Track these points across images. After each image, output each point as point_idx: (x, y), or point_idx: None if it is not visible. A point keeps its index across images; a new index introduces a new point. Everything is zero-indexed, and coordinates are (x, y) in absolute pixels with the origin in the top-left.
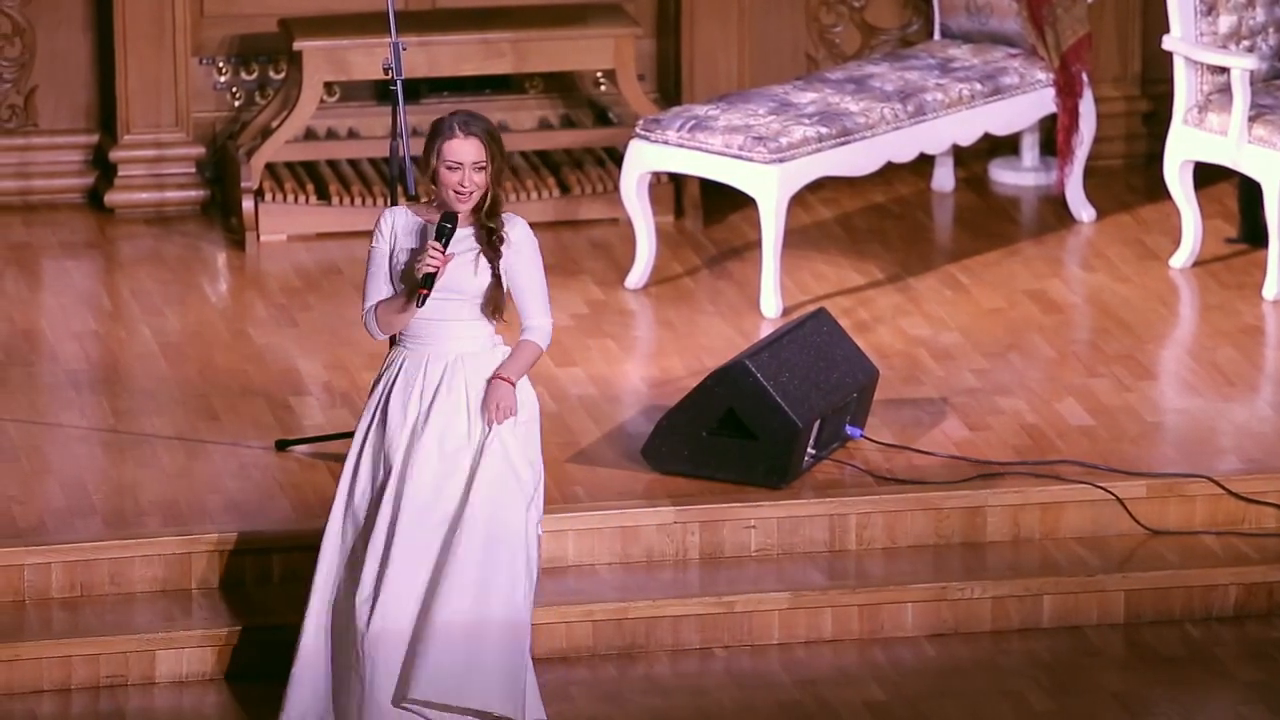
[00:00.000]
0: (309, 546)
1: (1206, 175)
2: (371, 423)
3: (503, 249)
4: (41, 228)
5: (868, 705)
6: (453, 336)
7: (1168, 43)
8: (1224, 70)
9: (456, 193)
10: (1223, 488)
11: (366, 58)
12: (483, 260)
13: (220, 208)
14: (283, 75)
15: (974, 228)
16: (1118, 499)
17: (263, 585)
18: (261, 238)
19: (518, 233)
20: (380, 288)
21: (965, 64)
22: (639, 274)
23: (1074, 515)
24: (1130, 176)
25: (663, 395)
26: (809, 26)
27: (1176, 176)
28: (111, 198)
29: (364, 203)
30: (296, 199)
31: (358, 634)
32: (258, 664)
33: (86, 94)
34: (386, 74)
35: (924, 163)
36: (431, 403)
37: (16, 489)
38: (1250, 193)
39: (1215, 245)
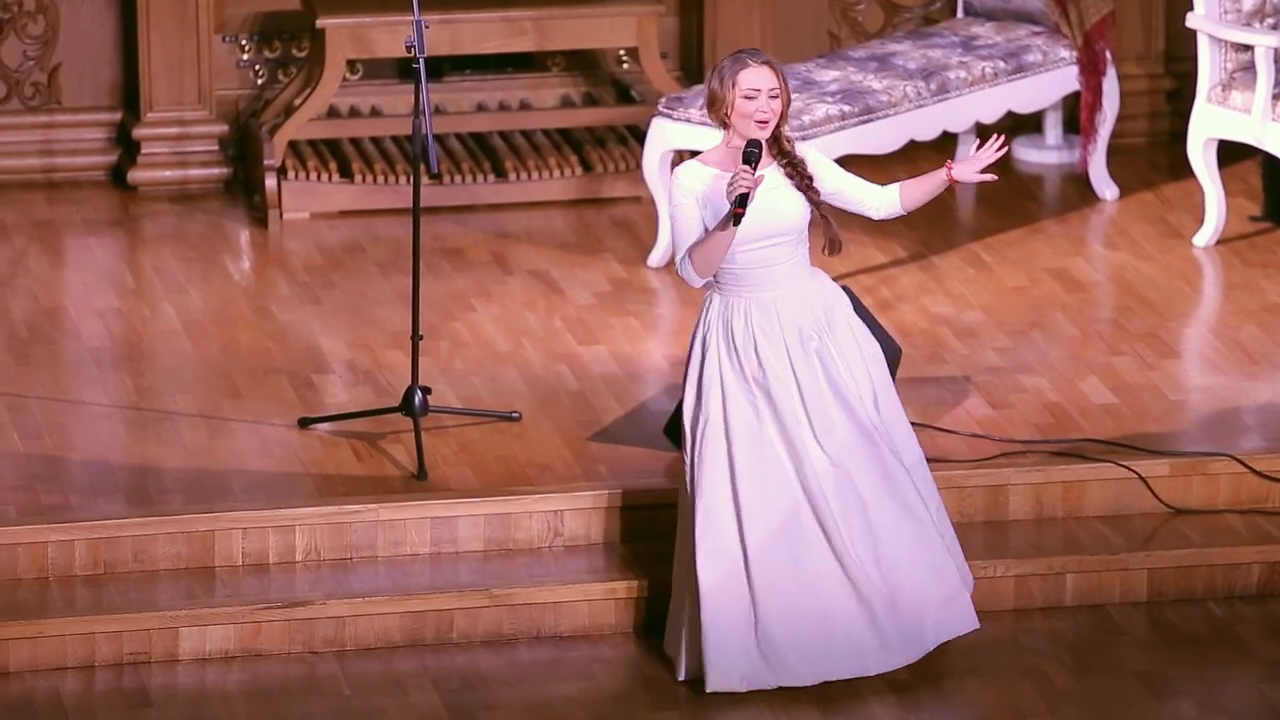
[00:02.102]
0: (332, 524)
1: (1230, 153)
2: (736, 373)
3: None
4: (65, 205)
5: (890, 684)
6: (790, 276)
7: (1192, 20)
8: (1248, 48)
9: (758, 121)
10: (1246, 466)
11: (389, 35)
12: (796, 194)
13: (243, 185)
14: (305, 53)
15: (997, 206)
16: (1141, 477)
17: (285, 563)
18: (284, 215)
19: (816, 158)
20: (689, 236)
21: (988, 42)
22: (661, 252)
23: (1097, 494)
24: (1153, 154)
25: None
26: (832, 4)
27: (1200, 154)
28: (135, 175)
29: (386, 181)
30: (319, 177)
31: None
32: (281, 642)
33: (110, 71)
34: (409, 52)
35: (947, 141)
36: (801, 343)
37: (40, 466)
38: (1274, 170)
39: (1239, 223)
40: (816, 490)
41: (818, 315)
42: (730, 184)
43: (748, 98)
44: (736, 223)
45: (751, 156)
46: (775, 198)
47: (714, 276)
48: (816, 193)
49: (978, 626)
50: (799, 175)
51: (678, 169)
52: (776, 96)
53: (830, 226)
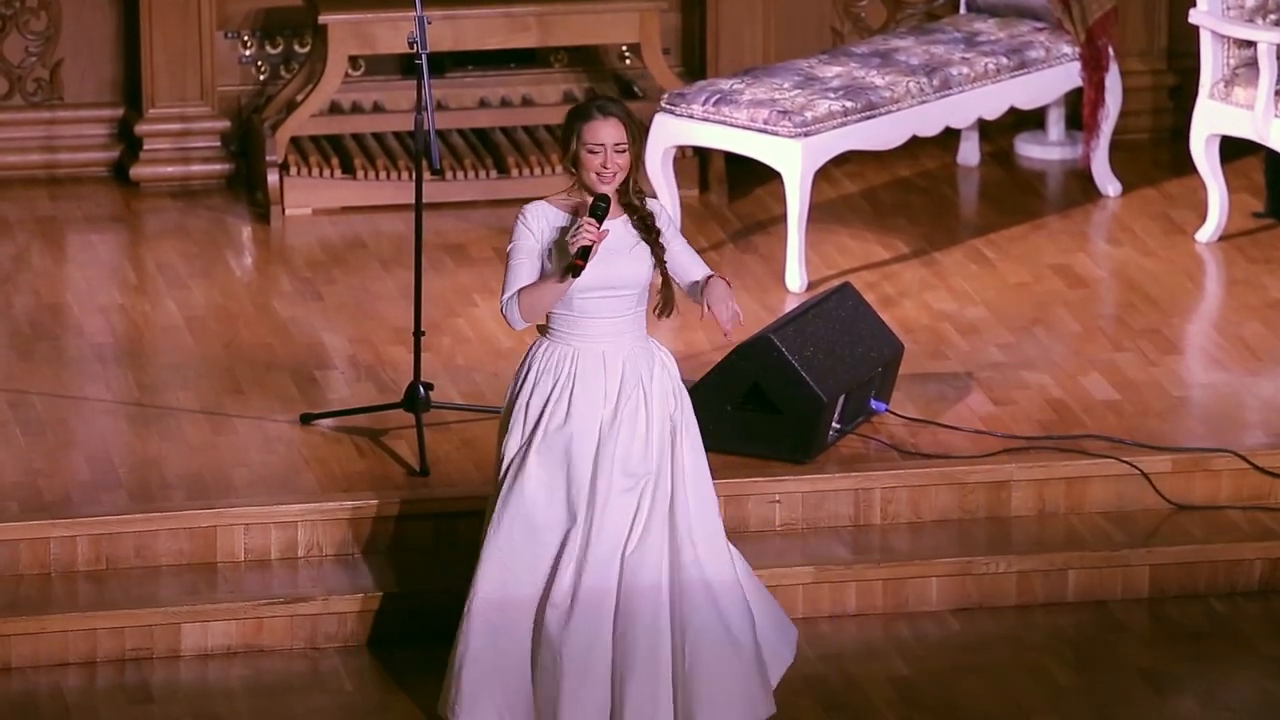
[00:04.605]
0: (334, 520)
1: (1233, 149)
2: (542, 416)
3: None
4: (67, 201)
5: (892, 680)
6: (621, 332)
7: (1194, 16)
8: (1251, 44)
9: (598, 174)
10: (1248, 462)
11: (391, 31)
12: (642, 250)
13: (245, 181)
14: (308, 49)
15: (999, 202)
16: (1143, 473)
17: (288, 559)
18: (286, 211)
19: (663, 218)
20: (522, 277)
21: (991, 38)
22: None
23: (1099, 490)
24: (1156, 151)
25: (688, 370)
26: (834, 0)
27: (1202, 150)
28: (137, 171)
29: (389, 176)
30: (321, 173)
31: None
32: (283, 637)
33: (112, 67)
34: (411, 48)
35: (949, 137)
36: (617, 401)
37: (42, 462)
38: (1276, 166)
39: (1241, 219)
40: (591, 557)
41: (640, 375)
42: (572, 235)
43: (591, 152)
44: (575, 274)
45: (598, 210)
46: (621, 249)
47: (547, 321)
48: (662, 249)
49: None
50: (647, 230)
51: (526, 207)
52: (623, 151)
53: (668, 287)
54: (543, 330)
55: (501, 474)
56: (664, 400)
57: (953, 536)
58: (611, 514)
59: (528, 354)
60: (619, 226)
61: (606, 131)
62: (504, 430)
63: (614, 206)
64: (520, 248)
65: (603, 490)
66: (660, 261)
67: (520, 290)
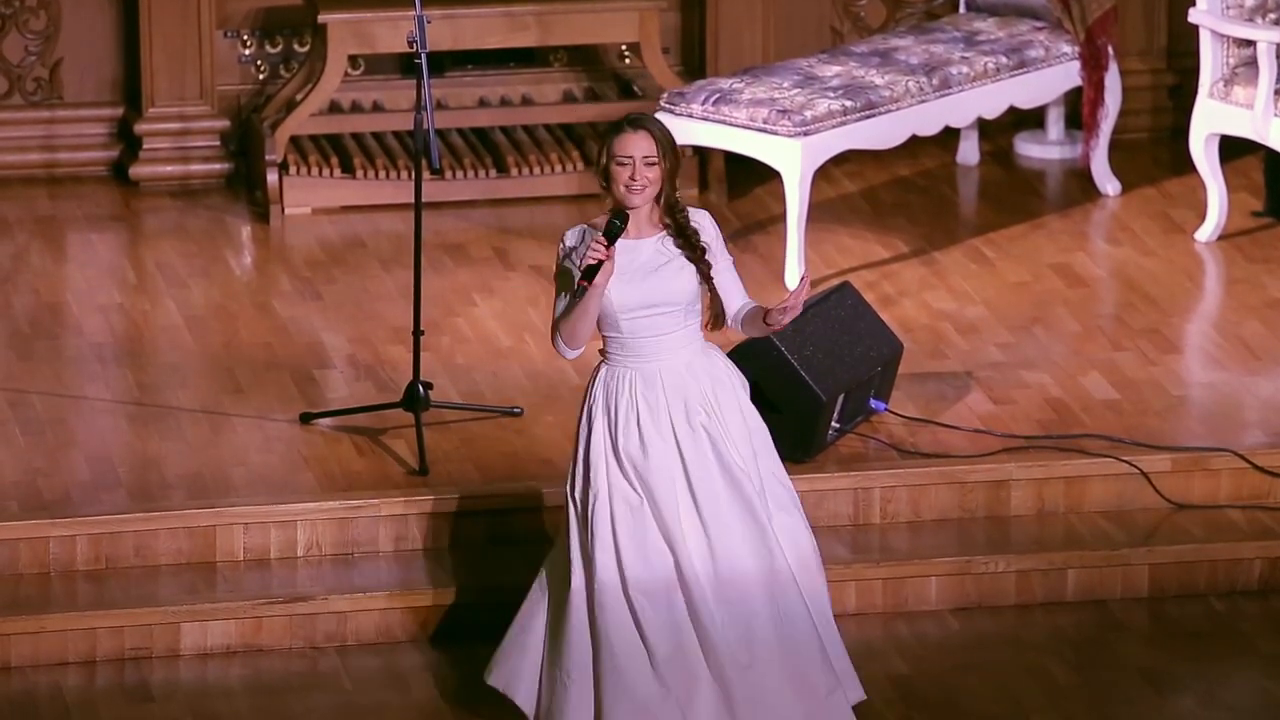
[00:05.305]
0: (333, 519)
1: (1232, 149)
2: (615, 447)
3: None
4: (66, 200)
5: (891, 679)
6: (677, 348)
7: (1194, 15)
8: (1250, 43)
9: (627, 187)
10: (1248, 461)
11: (391, 31)
12: (683, 264)
13: (245, 181)
14: (307, 48)
15: (999, 201)
16: (1142, 473)
17: (287, 558)
18: (286, 211)
19: (710, 232)
20: (562, 307)
21: (990, 37)
22: None
23: (1098, 489)
24: (1156, 150)
25: None
26: (834, 0)
27: (1202, 150)
28: (136, 171)
29: (388, 176)
30: (321, 172)
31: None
32: (282, 637)
33: (111, 67)
34: (411, 47)
35: (949, 136)
36: (687, 417)
37: (42, 462)
38: (1276, 166)
39: (1241, 219)
40: (691, 576)
41: (705, 391)
42: (582, 254)
43: (620, 164)
44: (580, 295)
45: (613, 230)
46: (662, 265)
47: (603, 346)
48: (708, 264)
49: None
50: (689, 246)
51: (566, 232)
52: (653, 164)
53: (717, 300)
54: (603, 354)
55: (588, 514)
56: (738, 413)
57: (952, 536)
58: (726, 521)
59: (589, 388)
60: (652, 244)
61: (636, 144)
62: (585, 468)
63: (646, 224)
64: (561, 271)
65: (709, 504)
66: (706, 276)
67: (559, 319)
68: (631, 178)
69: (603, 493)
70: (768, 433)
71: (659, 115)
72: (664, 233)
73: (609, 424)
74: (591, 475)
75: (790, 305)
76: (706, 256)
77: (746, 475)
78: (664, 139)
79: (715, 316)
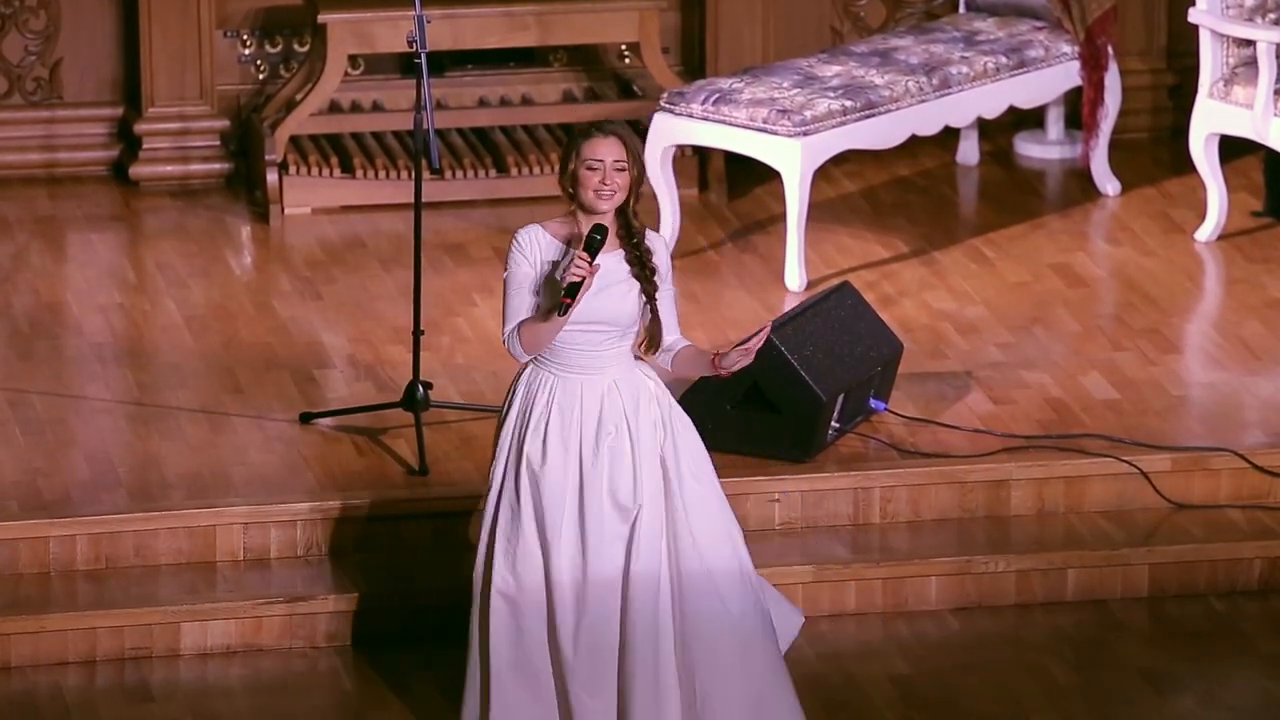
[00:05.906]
0: (333, 519)
1: (1232, 148)
2: (523, 447)
3: (655, 278)
4: (66, 200)
5: (891, 679)
6: (602, 367)
7: (1194, 15)
8: (1250, 43)
9: (597, 192)
10: (1248, 461)
11: (390, 30)
12: (633, 287)
13: (244, 180)
14: (307, 48)
15: (999, 201)
16: (1142, 473)
17: (287, 558)
18: (285, 211)
19: (663, 258)
20: (521, 308)
21: (990, 37)
22: None
23: (1098, 489)
24: (1155, 150)
25: None
26: (834, 0)
27: (1202, 150)
28: (136, 170)
29: (388, 176)
30: (321, 172)
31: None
32: (282, 636)
33: (111, 67)
34: (410, 47)
35: (949, 136)
36: (596, 434)
37: (42, 462)
38: (1276, 165)
39: (1240, 219)
40: (558, 586)
41: (623, 407)
42: (563, 270)
43: (590, 168)
44: (563, 312)
45: (593, 244)
46: (612, 285)
47: None
48: (654, 286)
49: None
50: (639, 264)
51: (519, 232)
52: (623, 170)
53: (656, 324)
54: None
55: (491, 497)
56: (652, 432)
57: (952, 536)
58: (607, 545)
59: (518, 374)
60: (613, 261)
61: (607, 149)
62: (496, 440)
63: (610, 239)
64: (515, 277)
65: (594, 523)
66: (651, 299)
67: (521, 324)
68: (602, 182)
69: (494, 490)
70: (702, 449)
71: (659, 115)
72: (620, 251)
73: (520, 423)
74: (492, 470)
75: (751, 347)
76: (655, 278)
77: (639, 505)
78: (632, 147)
79: (651, 339)
